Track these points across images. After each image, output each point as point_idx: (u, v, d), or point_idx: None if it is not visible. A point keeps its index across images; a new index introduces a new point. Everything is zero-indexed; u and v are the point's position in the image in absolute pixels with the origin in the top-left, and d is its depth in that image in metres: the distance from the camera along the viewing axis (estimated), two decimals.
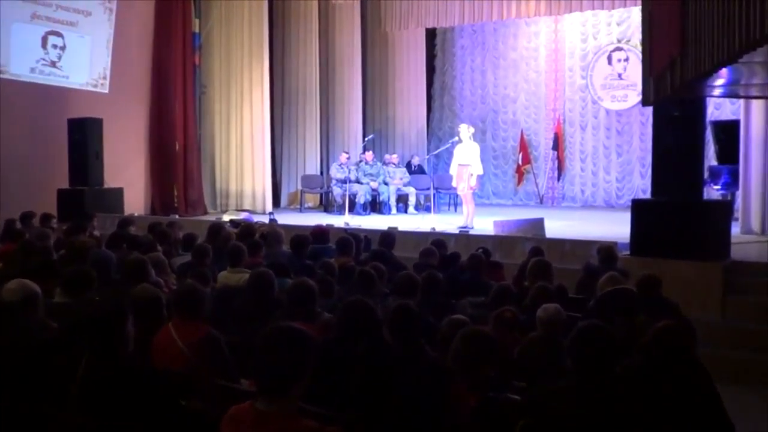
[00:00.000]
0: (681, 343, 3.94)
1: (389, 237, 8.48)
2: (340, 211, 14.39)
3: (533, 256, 6.99)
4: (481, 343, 3.45)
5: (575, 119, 17.51)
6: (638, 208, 8.65)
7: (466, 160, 11.93)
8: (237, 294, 5.73)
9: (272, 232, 8.70)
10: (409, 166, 16.68)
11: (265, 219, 12.52)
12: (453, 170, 12.20)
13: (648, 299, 5.64)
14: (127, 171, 14.70)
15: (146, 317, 4.29)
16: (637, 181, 16.63)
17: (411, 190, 15.51)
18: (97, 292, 4.82)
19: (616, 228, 10.50)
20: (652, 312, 5.17)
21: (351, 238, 7.81)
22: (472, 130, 12.26)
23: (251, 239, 7.83)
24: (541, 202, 17.71)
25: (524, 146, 17.83)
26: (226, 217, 12.83)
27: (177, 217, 13.65)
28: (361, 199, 14.84)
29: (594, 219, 13.73)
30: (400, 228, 10.93)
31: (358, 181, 15.07)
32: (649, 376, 3.76)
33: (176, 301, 4.42)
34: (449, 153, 13.93)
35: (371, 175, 15.29)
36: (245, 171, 15.95)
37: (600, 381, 3.33)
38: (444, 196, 16.49)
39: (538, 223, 10.38)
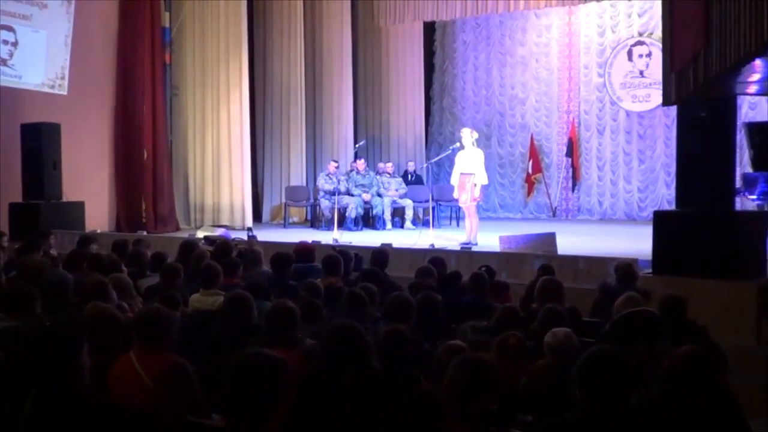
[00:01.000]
0: (707, 371, 3.93)
1: (382, 255, 8.50)
2: (329, 226, 14.39)
3: (542, 275, 7.01)
4: (478, 371, 3.43)
5: (592, 122, 17.58)
6: (661, 220, 8.66)
7: (469, 169, 11.96)
8: (210, 319, 5.73)
9: (251, 250, 8.72)
10: (405, 176, 16.72)
11: (244, 236, 12.52)
12: (454, 180, 12.24)
13: (671, 322, 5.65)
14: (89, 182, 14.70)
15: (104, 343, 4.27)
16: (661, 190, 16.70)
17: (408, 203, 15.53)
18: (48, 315, 4.81)
19: (638, 243, 10.54)
20: (677, 337, 5.18)
21: (339, 256, 7.84)
22: (475, 135, 12.29)
23: (227, 258, 7.83)
24: (554, 215, 17.78)
25: (534, 153, 17.90)
26: (200, 234, 12.83)
27: (145, 233, 13.63)
28: (351, 213, 14.87)
29: (613, 234, 13.77)
30: (395, 245, 10.95)
31: (348, 193, 15.10)
32: (670, 408, 3.74)
33: (140, 327, 4.40)
34: (450, 161, 13.96)
35: (363, 186, 15.31)
36: (222, 182, 15.96)
37: (614, 414, 3.32)
38: (445, 209, 16.51)
39: (549, 239, 10.40)
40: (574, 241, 11.87)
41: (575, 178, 17.57)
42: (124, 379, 4.21)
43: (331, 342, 4.24)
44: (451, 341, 4.61)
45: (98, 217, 14.74)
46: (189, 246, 8.77)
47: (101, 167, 15.21)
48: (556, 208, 17.85)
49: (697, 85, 5.51)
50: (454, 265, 9.35)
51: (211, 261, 7.33)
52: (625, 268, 7.37)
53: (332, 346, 4.22)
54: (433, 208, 14.53)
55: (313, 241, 10.44)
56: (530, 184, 18.08)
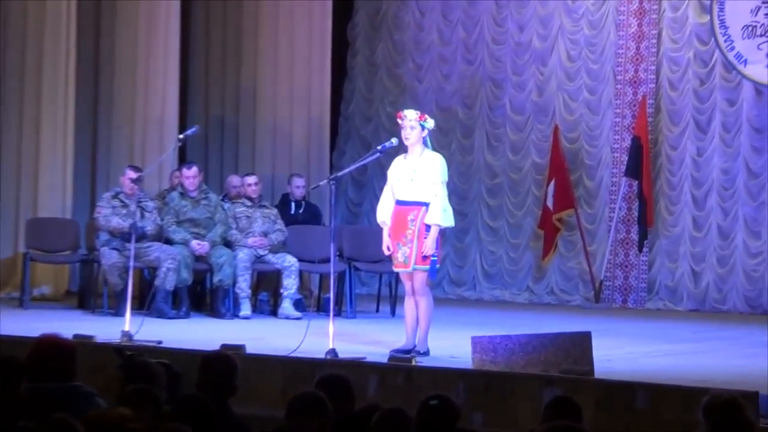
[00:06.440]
0: None
1: (223, 370, 8.55)
2: (118, 306, 14.38)
3: (553, 418, 7.11)
4: None
5: (684, 106, 17.88)
6: None
7: (415, 194, 11.95)
8: None
9: None
10: (286, 204, 16.80)
11: None
12: (383, 215, 12.26)
13: None
14: None
15: None
16: None
17: (289, 262, 15.59)
18: None
19: (764, 360, 10.75)
20: None
21: (128, 366, 7.87)
22: (430, 123, 12.18)
23: None
24: (597, 298, 17.98)
25: (560, 165, 18.02)
26: None
27: None
28: (166, 280, 14.85)
29: (716, 340, 14.12)
30: (254, 349, 11.04)
31: (161, 238, 15.11)
32: None
33: None
34: (382, 174, 13.99)
35: (194, 222, 15.36)
36: None
37: None
38: (368, 279, 16.65)
39: (577, 344, 10.50)
40: (632, 350, 12.10)
41: (646, 222, 17.76)
42: None
43: None
44: None
45: None
46: None
47: None
48: (602, 283, 18.03)
49: None
50: (373, 392, 9.56)
51: None
52: (726, 406, 7.51)
53: None
54: (343, 274, 14.67)
55: (75, 336, 10.46)
56: (550, 231, 18.25)
